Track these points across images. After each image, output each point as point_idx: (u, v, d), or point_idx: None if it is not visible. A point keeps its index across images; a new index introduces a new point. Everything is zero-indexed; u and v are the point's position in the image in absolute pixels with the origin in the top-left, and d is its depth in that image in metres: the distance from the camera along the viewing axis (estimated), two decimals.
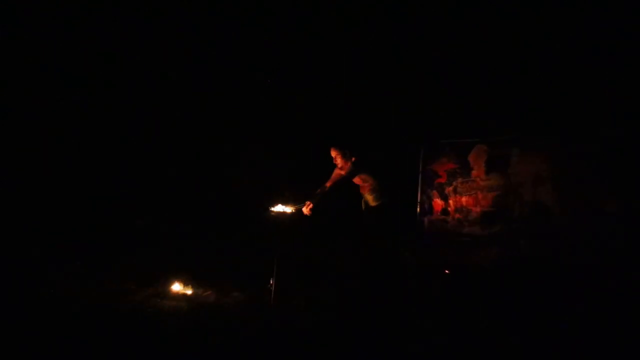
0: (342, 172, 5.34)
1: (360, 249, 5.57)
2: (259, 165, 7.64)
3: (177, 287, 5.18)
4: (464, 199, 6.92)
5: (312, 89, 7.68)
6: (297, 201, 5.03)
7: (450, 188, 7.06)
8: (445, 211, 7.07)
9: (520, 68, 6.96)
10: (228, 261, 6.35)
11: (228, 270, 5.95)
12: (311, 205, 4.93)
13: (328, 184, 5.31)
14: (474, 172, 6.90)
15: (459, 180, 7.00)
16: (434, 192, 7.19)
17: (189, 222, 7.57)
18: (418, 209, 7.25)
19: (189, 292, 5.14)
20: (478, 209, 6.82)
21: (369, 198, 5.45)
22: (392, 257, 5.43)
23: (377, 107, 7.62)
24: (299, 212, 4.97)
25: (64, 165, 7.24)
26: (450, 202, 7.03)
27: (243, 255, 6.54)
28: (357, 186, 5.55)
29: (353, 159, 5.32)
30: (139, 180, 7.68)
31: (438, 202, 7.15)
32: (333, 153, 5.36)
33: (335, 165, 5.44)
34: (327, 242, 7.01)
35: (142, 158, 7.70)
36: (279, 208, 4.96)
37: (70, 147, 7.32)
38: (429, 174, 7.26)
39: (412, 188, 7.25)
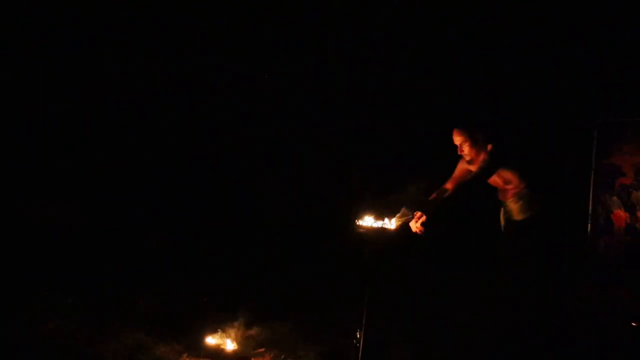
0: (472, 168, 4.75)
1: (498, 286, 5.02)
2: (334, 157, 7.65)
3: (213, 340, 4.70)
4: None
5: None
6: (400, 211, 4.50)
7: None
8: (632, 229, 6.63)
9: None
10: (291, 302, 6.02)
11: (292, 316, 5.56)
12: (424, 218, 4.38)
13: (449, 186, 4.78)
14: None
15: None
16: (614, 198, 6.81)
17: (225, 241, 7.48)
18: (589, 226, 6.86)
19: (232, 347, 4.65)
20: None
21: (513, 208, 4.85)
22: (548, 300, 4.91)
23: (524, 68, 7.13)
24: (404, 228, 4.48)
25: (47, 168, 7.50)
26: None
27: (315, 293, 6.25)
28: (494, 190, 5.00)
29: (489, 147, 4.71)
30: (148, 186, 7.79)
31: (620, 215, 6.76)
32: (457, 138, 4.75)
33: (459, 157, 4.87)
34: (446, 274, 6.70)
35: (150, 158, 7.85)
36: (371, 222, 4.44)
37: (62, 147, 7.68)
38: (606, 171, 6.85)
39: (580, 193, 6.94)
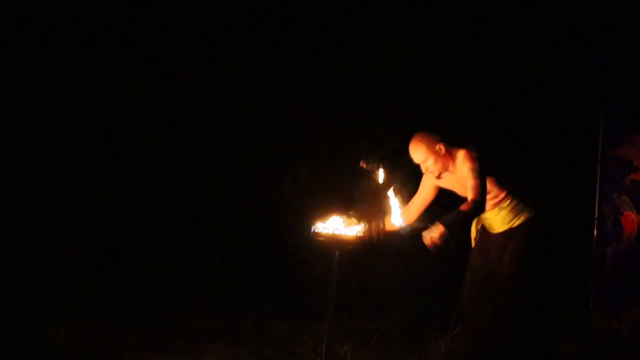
0: (442, 184, 4.36)
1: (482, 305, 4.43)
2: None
3: None
4: None
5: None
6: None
7: None
8: None
9: None
10: (243, 325, 5.69)
11: (244, 341, 5.23)
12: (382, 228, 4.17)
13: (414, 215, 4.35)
14: None
15: None
16: (624, 198, 6.46)
17: (159, 252, 7.21)
18: (595, 231, 6.53)
19: None
20: None
21: (494, 222, 4.36)
22: (545, 320, 4.37)
23: (517, 44, 6.90)
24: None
25: None
26: None
27: (267, 314, 5.95)
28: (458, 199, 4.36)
29: (464, 152, 4.17)
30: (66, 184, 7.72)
31: (631, 218, 6.39)
32: (417, 155, 4.19)
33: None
34: (419, 291, 6.53)
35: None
36: (332, 226, 4.11)
37: None
38: (614, 166, 6.52)
39: (584, 192, 6.73)
